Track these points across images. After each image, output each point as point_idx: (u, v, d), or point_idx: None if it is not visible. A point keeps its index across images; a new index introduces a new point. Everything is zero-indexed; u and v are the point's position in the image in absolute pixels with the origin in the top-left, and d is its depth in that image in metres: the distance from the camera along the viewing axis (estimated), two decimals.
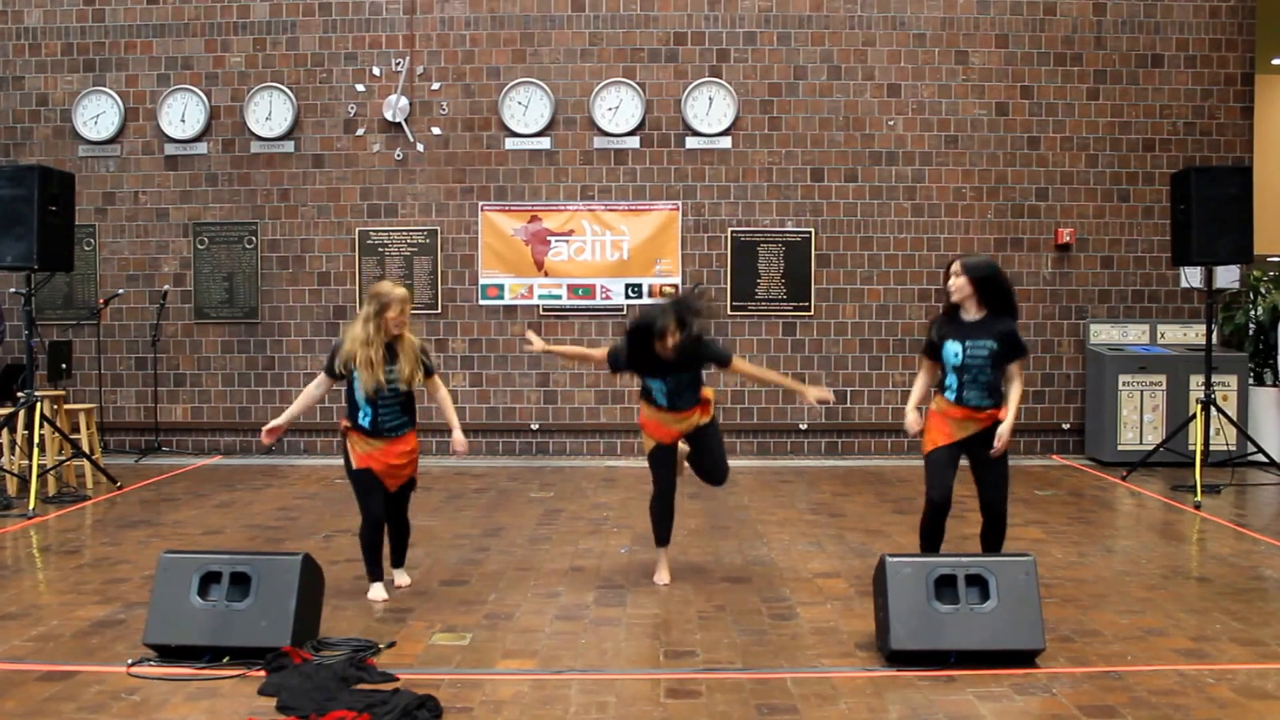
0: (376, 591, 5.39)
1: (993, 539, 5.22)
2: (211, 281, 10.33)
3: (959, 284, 5.12)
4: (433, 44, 10.24)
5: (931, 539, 5.27)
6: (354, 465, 5.32)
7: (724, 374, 5.98)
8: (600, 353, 5.74)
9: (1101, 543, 6.67)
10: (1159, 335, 10.00)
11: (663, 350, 5.32)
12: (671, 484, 5.69)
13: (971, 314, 5.14)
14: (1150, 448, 9.16)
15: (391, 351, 5.22)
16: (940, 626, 4.30)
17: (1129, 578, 5.79)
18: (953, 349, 5.11)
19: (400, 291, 5.22)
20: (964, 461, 5.17)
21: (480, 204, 10.24)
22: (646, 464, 5.75)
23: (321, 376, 5.37)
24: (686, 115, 10.14)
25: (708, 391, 5.66)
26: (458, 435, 5.47)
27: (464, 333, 10.25)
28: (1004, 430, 5.02)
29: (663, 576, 5.71)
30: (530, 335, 5.92)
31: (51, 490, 8.00)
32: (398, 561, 5.66)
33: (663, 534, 5.74)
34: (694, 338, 5.39)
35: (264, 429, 5.40)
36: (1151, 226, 10.18)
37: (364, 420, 5.24)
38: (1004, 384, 5.12)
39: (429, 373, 5.41)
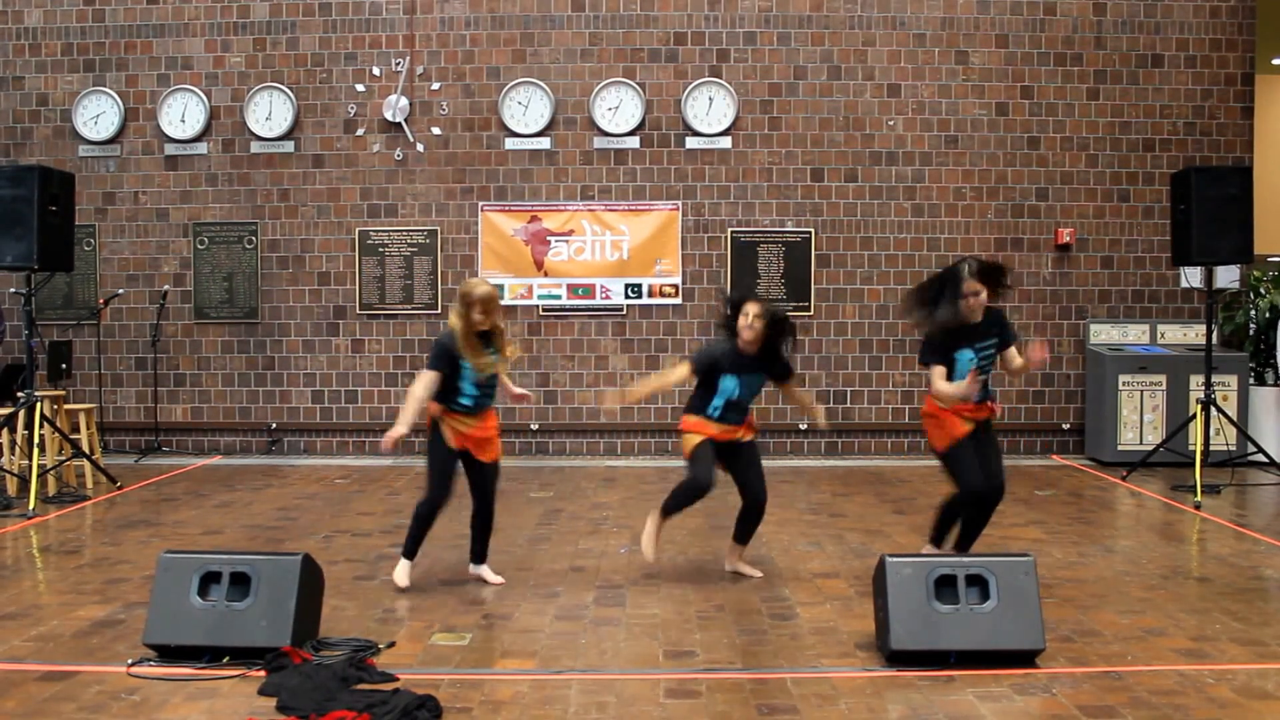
0: (402, 573, 5.53)
1: (985, 513, 5.60)
2: (211, 281, 10.33)
3: (981, 299, 5.41)
4: (433, 44, 10.24)
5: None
6: (450, 445, 5.46)
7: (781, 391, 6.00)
8: (679, 372, 5.64)
9: (1101, 543, 6.67)
10: (1159, 335, 10.00)
11: (745, 328, 5.43)
12: (707, 479, 5.63)
13: (977, 316, 5.48)
14: (1150, 448, 9.16)
15: (487, 340, 5.47)
16: (940, 626, 4.30)
17: (1129, 578, 5.79)
18: (966, 355, 5.50)
19: (482, 290, 5.39)
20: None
21: (480, 204, 10.24)
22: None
23: (431, 375, 5.37)
24: (686, 115, 10.14)
25: (752, 417, 5.76)
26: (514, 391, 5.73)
27: None
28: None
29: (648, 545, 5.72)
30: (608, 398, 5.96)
31: (51, 490, 8.00)
32: (481, 557, 5.73)
33: (673, 506, 5.70)
34: (777, 327, 5.51)
35: (387, 438, 5.28)
36: (1151, 226, 10.19)
37: (467, 401, 5.43)
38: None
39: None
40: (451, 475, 5.50)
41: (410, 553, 5.56)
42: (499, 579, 5.67)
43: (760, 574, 5.82)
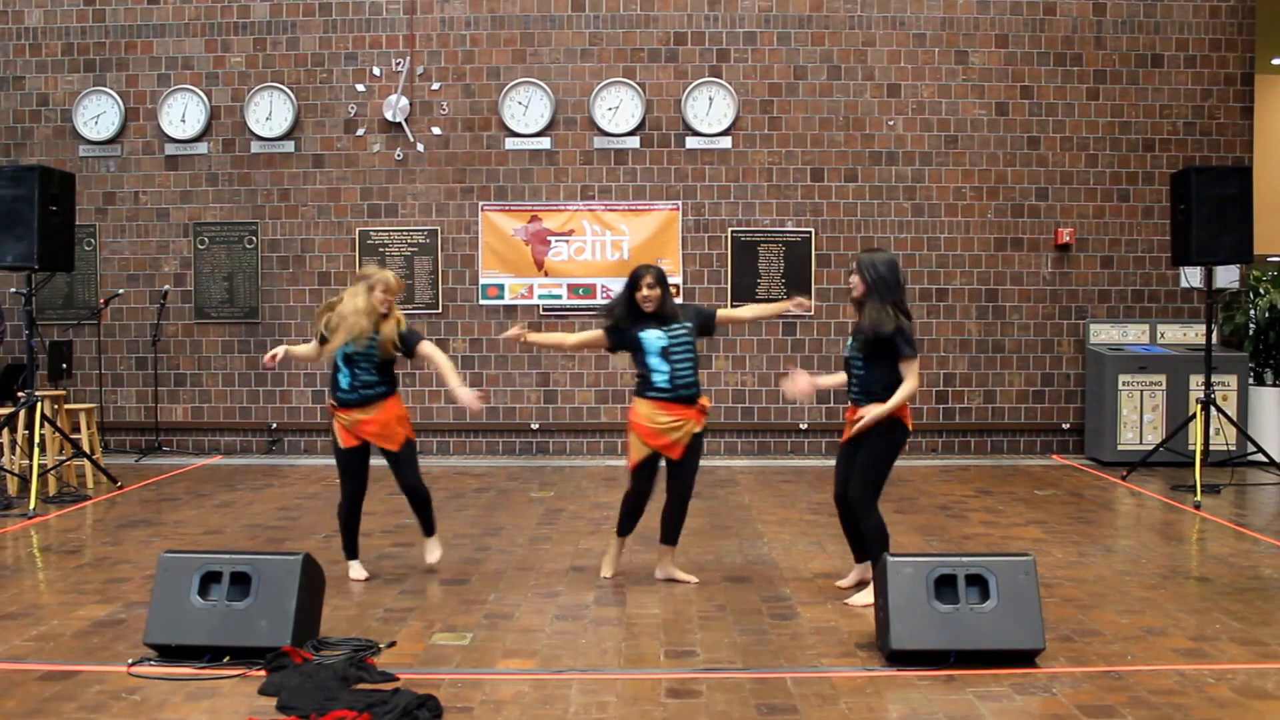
0: (354, 570, 5.77)
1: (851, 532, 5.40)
2: (212, 281, 10.33)
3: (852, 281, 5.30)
4: (433, 44, 10.25)
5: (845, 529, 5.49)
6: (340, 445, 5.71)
7: (718, 331, 6.32)
8: (585, 335, 5.91)
9: (1101, 543, 6.67)
10: (1159, 335, 10.01)
11: (643, 301, 5.47)
12: (648, 491, 5.60)
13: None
14: (1150, 448, 9.16)
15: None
16: (940, 626, 4.31)
17: (1129, 577, 5.79)
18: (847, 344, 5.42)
19: (389, 273, 5.65)
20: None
21: (480, 204, 10.24)
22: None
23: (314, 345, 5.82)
24: (686, 115, 10.15)
25: (705, 400, 5.56)
26: (462, 393, 5.60)
27: (464, 332, 10.26)
28: (867, 412, 5.08)
29: (607, 569, 5.77)
30: (514, 332, 5.74)
31: (52, 490, 8.01)
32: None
33: (627, 525, 5.71)
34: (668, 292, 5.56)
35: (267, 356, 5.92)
36: (1151, 226, 10.19)
37: (344, 383, 5.64)
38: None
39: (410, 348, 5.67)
40: (350, 472, 5.66)
41: (350, 552, 5.80)
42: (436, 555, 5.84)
43: (696, 579, 5.69)
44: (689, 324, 5.55)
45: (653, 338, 5.46)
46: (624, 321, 5.53)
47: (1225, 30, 10.16)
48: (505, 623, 4.99)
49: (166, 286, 10.26)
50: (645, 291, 5.46)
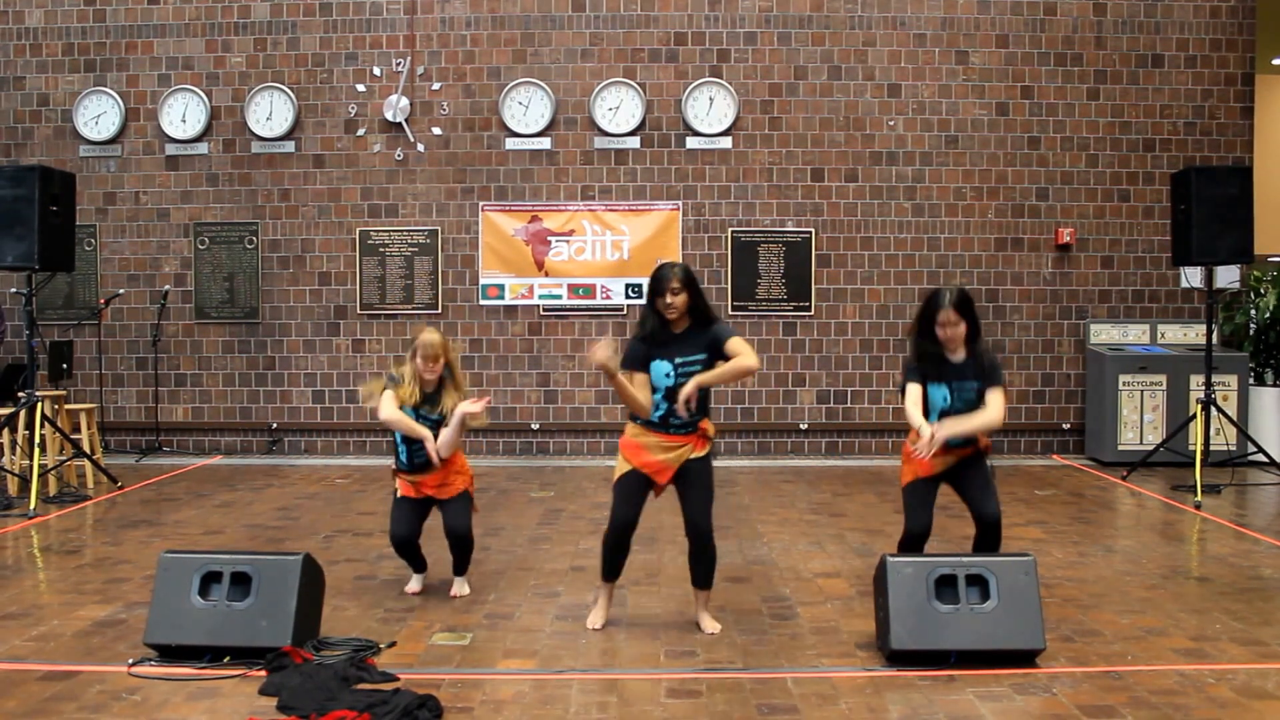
0: (413, 584, 5.55)
1: (986, 546, 5.02)
2: (212, 281, 10.34)
3: (958, 331, 4.94)
4: (433, 44, 10.25)
5: None
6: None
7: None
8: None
9: (1101, 543, 6.67)
10: (1159, 335, 10.01)
11: (665, 308, 4.59)
12: (630, 519, 4.87)
13: (959, 355, 5.00)
14: (1150, 448, 9.17)
15: (433, 395, 5.31)
16: (940, 626, 4.31)
17: (1129, 578, 5.79)
18: (940, 393, 4.98)
19: (426, 336, 5.23)
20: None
21: (481, 204, 10.24)
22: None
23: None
24: (687, 115, 10.15)
25: (707, 423, 4.80)
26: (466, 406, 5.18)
27: (464, 333, 10.25)
28: (942, 429, 4.80)
29: (596, 619, 4.92)
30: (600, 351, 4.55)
31: (52, 490, 8.01)
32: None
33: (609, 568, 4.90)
34: (701, 301, 4.67)
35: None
36: (1151, 226, 10.19)
37: (403, 457, 5.32)
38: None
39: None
40: (403, 518, 5.34)
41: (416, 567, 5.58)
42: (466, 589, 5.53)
43: (719, 627, 4.87)
44: (703, 355, 4.66)
45: (661, 371, 4.65)
46: (655, 334, 4.66)
47: (1225, 30, 10.16)
48: (505, 623, 4.99)
49: (167, 286, 10.27)
50: (670, 299, 4.59)
